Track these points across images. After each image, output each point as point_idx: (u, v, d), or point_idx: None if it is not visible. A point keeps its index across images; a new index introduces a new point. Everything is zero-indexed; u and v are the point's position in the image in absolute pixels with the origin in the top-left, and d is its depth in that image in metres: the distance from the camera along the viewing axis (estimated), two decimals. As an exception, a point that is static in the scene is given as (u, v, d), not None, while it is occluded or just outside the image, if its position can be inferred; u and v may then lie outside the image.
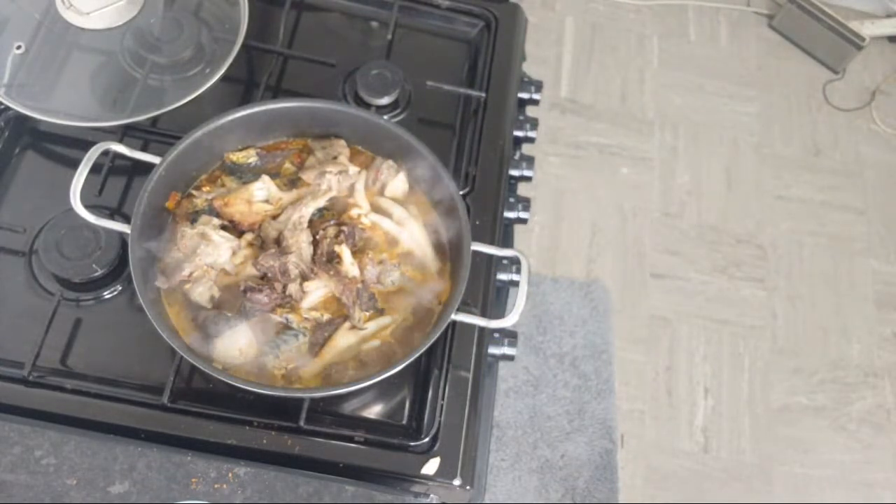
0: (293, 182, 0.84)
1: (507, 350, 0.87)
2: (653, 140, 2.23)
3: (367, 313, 0.79)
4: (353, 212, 0.82)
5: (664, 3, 2.46)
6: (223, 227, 0.79)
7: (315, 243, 0.80)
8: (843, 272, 2.12)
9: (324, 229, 0.81)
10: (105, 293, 0.83)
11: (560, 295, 1.95)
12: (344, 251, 0.78)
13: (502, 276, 0.89)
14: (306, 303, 0.78)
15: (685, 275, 2.04)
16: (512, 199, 0.95)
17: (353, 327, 0.77)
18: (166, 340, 0.70)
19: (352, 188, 0.84)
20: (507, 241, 0.97)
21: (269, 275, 0.77)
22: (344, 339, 0.77)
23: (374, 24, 1.06)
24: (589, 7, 2.41)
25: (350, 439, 0.78)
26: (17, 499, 0.74)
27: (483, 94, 1.00)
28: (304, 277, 0.78)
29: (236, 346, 0.75)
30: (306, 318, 0.78)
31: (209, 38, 0.94)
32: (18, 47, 0.89)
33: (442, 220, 0.84)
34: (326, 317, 0.78)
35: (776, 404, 1.91)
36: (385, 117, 0.92)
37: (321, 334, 0.77)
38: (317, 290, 0.78)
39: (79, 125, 0.86)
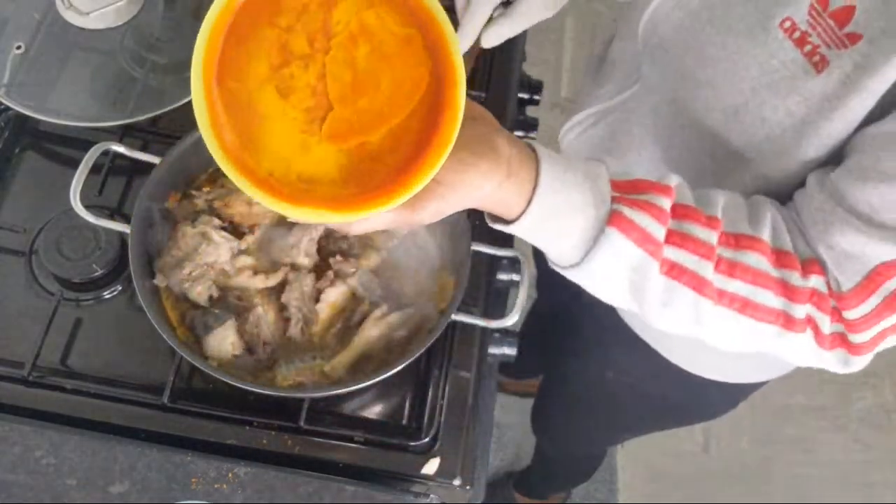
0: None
1: (507, 350, 0.87)
2: (653, 140, 2.23)
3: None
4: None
5: (664, 3, 2.46)
6: (223, 229, 0.79)
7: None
8: (843, 272, 2.12)
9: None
10: (105, 293, 0.83)
11: (560, 295, 1.95)
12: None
13: (502, 276, 0.89)
14: (319, 327, 0.78)
15: (685, 275, 2.04)
16: (512, 199, 0.95)
17: (382, 317, 0.77)
18: (166, 340, 0.70)
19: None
20: (507, 241, 0.97)
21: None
22: (374, 330, 0.76)
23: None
24: (589, 7, 2.40)
25: (350, 439, 0.78)
26: (17, 499, 0.74)
27: (483, 94, 1.00)
28: (308, 322, 0.78)
29: (228, 340, 0.75)
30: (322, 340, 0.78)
31: (209, 38, 0.94)
32: (18, 47, 0.89)
33: (442, 220, 0.84)
34: (339, 325, 0.79)
35: (776, 404, 1.91)
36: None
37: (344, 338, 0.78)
38: (324, 312, 0.78)
39: (79, 125, 0.86)
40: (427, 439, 0.78)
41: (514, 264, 0.90)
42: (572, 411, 1.20)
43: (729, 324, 0.57)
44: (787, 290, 0.56)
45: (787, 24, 0.59)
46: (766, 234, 0.58)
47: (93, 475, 0.75)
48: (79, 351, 0.81)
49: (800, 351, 0.59)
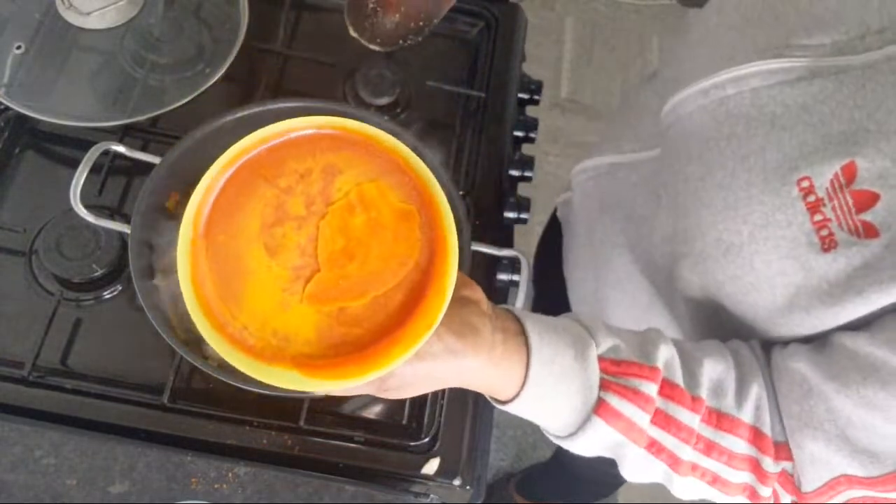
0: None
1: (507, 350, 0.87)
2: (653, 140, 2.23)
3: None
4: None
5: (664, 3, 2.46)
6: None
7: None
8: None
9: None
10: (105, 293, 0.83)
11: (560, 295, 1.95)
12: None
13: (502, 276, 0.89)
14: None
15: (685, 275, 2.03)
16: (512, 199, 0.95)
17: None
18: (166, 340, 0.70)
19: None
20: (507, 241, 0.97)
21: None
22: None
23: (374, 24, 1.06)
24: (589, 7, 2.41)
25: (350, 439, 0.78)
26: (17, 499, 0.74)
27: (483, 94, 1.00)
28: None
29: None
30: None
31: (209, 38, 0.94)
32: (18, 47, 0.89)
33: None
34: None
35: (776, 404, 1.91)
36: (385, 117, 0.92)
37: None
38: None
39: (79, 125, 0.86)
40: (427, 439, 0.78)
41: (514, 264, 0.89)
42: None
43: (698, 489, 0.59)
44: (758, 471, 0.57)
45: (806, 183, 0.53)
46: (748, 415, 0.57)
47: (93, 475, 0.75)
48: (79, 351, 0.81)
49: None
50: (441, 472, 0.77)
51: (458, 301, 0.52)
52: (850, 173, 0.51)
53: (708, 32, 0.66)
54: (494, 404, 0.57)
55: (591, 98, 2.27)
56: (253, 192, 0.47)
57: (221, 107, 0.83)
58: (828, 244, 0.52)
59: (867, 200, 0.51)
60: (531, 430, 1.82)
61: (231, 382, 0.71)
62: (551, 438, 0.60)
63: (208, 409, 0.77)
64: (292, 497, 0.76)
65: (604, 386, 0.54)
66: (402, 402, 0.83)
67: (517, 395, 0.54)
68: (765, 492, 0.57)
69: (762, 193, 0.55)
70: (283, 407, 0.78)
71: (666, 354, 0.57)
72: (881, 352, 0.51)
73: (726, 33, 0.63)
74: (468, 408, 0.81)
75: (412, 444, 0.78)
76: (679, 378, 0.57)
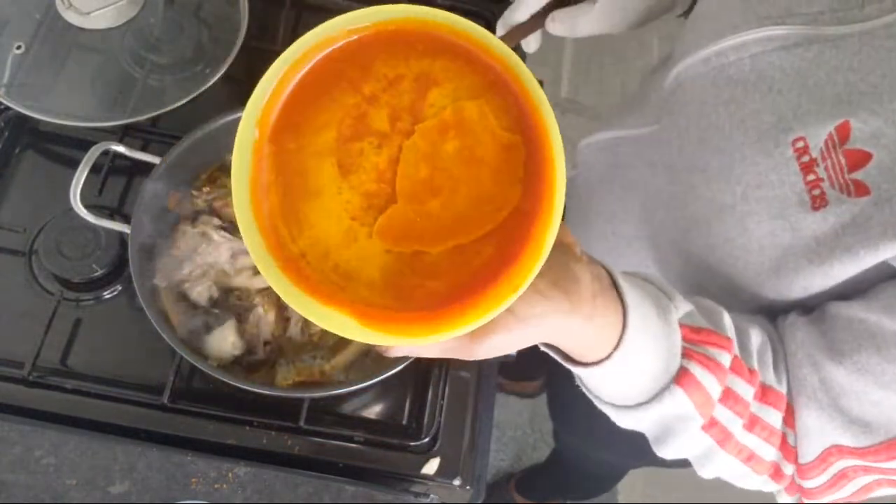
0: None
1: (507, 350, 0.87)
2: (653, 140, 2.23)
3: None
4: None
5: (664, 3, 2.46)
6: (223, 229, 0.79)
7: None
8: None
9: None
10: (105, 293, 0.83)
11: (560, 295, 1.94)
12: None
13: (502, 276, 0.89)
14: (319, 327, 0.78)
15: (685, 275, 2.03)
16: (512, 199, 0.95)
17: None
18: (166, 340, 0.70)
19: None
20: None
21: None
22: None
23: (374, 24, 1.06)
24: (589, 7, 2.40)
25: (350, 439, 0.78)
26: (17, 499, 0.74)
27: (483, 94, 1.00)
28: (308, 321, 0.77)
29: (228, 340, 0.75)
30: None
31: (209, 38, 0.94)
32: (18, 47, 0.89)
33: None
34: None
35: (776, 404, 1.91)
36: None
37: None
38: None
39: (79, 125, 0.86)
40: (427, 439, 0.78)
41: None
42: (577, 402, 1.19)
43: (729, 468, 0.57)
44: (785, 448, 0.56)
45: (800, 143, 0.53)
46: (785, 389, 0.56)
47: (93, 475, 0.75)
48: (79, 351, 0.81)
49: (767, 488, 0.60)
50: (441, 472, 0.77)
51: (555, 247, 0.43)
52: (844, 133, 0.52)
53: (713, 4, 0.67)
54: (571, 367, 0.51)
55: (591, 98, 2.27)
56: (332, 96, 0.38)
57: (221, 107, 0.83)
58: (818, 203, 0.52)
59: (860, 160, 0.51)
60: (531, 430, 1.82)
61: (231, 382, 0.71)
62: (605, 409, 0.55)
63: (208, 409, 0.77)
64: (292, 497, 0.76)
65: (685, 354, 0.51)
66: (402, 401, 0.83)
67: (608, 356, 0.48)
68: (788, 469, 0.56)
69: (756, 154, 0.55)
70: (283, 407, 0.78)
71: (729, 323, 0.55)
72: (876, 317, 0.51)
73: (730, 4, 0.64)
74: (468, 408, 0.81)
75: (412, 444, 0.78)
76: (738, 349, 0.55)
